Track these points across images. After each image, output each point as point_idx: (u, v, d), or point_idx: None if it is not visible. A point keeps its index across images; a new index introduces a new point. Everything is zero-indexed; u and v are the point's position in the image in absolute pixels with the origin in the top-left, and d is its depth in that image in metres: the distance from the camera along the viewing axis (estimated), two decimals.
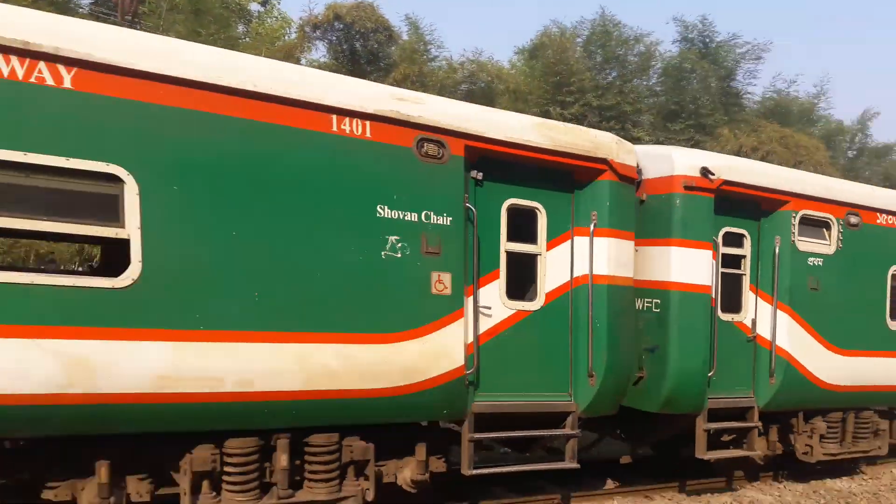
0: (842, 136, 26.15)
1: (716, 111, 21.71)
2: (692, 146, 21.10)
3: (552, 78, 19.59)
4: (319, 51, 20.94)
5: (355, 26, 19.03)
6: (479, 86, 20.21)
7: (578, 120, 19.50)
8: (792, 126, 22.70)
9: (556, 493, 6.79)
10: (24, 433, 4.29)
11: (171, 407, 4.29)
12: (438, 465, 5.60)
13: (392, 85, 14.12)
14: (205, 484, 4.65)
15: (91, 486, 4.39)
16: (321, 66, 18.45)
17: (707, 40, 22.05)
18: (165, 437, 4.53)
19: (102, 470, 4.30)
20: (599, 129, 18.89)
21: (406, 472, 5.44)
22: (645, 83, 22.65)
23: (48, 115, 3.95)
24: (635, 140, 20.07)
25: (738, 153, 19.88)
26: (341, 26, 19.33)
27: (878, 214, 7.76)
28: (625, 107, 20.09)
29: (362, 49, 19.80)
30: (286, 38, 22.26)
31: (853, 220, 7.47)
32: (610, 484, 7.56)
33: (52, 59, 3.92)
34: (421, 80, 19.00)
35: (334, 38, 19.93)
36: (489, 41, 72.67)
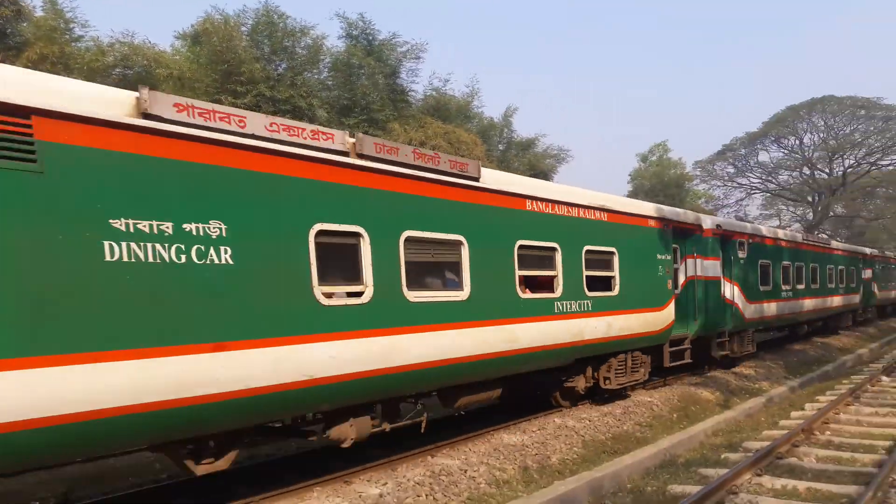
0: (493, 132, 31.04)
1: (385, 107, 24.11)
2: None
3: (220, 66, 19.82)
4: None
5: None
6: (136, 71, 19.45)
7: (252, 110, 20.04)
8: (452, 122, 26.29)
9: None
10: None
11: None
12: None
13: (28, 67, 12.99)
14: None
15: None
16: None
17: (370, 38, 24.37)
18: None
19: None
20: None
21: (645, 369, 13.23)
22: (317, 76, 24.10)
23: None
24: None
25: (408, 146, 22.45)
26: None
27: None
28: (299, 101, 21.17)
29: None
30: None
31: None
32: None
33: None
34: (63, 61, 17.65)
35: None
36: (142, 24, 68.08)
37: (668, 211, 13.97)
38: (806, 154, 62.62)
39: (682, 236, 14.30)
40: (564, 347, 10.44)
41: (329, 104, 23.79)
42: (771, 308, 18.68)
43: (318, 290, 6.61)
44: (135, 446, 6.75)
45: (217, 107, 6.03)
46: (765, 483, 7.64)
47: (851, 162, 61.56)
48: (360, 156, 7.19)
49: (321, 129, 6.90)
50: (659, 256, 13.00)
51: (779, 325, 21.11)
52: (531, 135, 34.10)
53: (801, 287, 20.99)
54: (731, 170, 64.87)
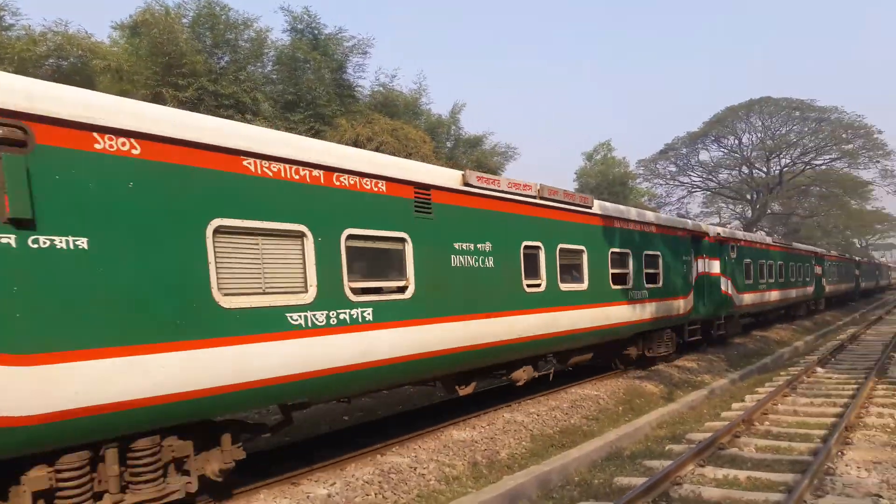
0: (441, 129, 31.02)
1: (332, 102, 23.86)
2: (313, 135, 22.91)
3: (161, 58, 19.29)
4: None
5: None
6: (71, 62, 18.77)
7: (195, 104, 19.58)
8: (400, 119, 26.17)
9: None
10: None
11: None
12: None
13: None
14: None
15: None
16: None
17: (316, 32, 24.08)
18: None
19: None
20: (217, 115, 19.23)
21: (673, 343, 17.21)
22: (261, 70, 23.68)
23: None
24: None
25: (355, 142, 22.30)
26: None
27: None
28: (243, 97, 20.78)
29: None
30: None
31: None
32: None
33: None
34: None
35: None
36: (77, 13, 65.66)
37: (691, 223, 18.62)
38: (744, 153, 64.65)
39: (696, 242, 18.25)
40: (632, 324, 14.44)
41: (273, 99, 23.41)
42: (753, 298, 23.19)
43: (524, 283, 10.77)
44: (440, 373, 9.91)
45: (490, 176, 10.29)
46: (707, 473, 7.83)
47: (787, 161, 63.85)
48: (542, 197, 11.34)
49: (524, 182, 10.94)
50: (684, 258, 17.24)
51: (756, 312, 25.33)
52: (479, 132, 34.28)
53: (772, 281, 25.68)
54: (673, 168, 66.52)
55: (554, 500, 7.39)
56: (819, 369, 15.74)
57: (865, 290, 55.43)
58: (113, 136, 5.55)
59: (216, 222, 6.23)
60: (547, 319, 11.23)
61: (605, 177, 46.46)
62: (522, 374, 11.53)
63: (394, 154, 22.06)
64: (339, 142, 22.35)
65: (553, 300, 11.40)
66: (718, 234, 19.87)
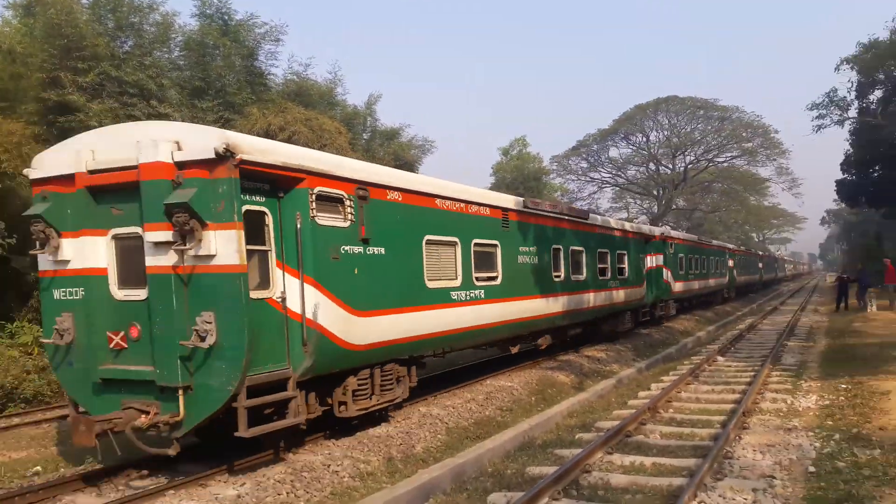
0: (357, 120, 30.67)
1: (243, 90, 23.18)
2: (223, 125, 22.21)
3: (59, 41, 18.18)
4: None
5: None
6: None
7: (96, 90, 18.62)
8: (315, 109, 25.70)
9: None
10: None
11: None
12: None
13: None
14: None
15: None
16: None
17: (226, 17, 23.29)
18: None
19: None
20: (120, 101, 18.33)
21: (633, 322, 21.47)
22: (167, 56, 22.74)
23: None
24: (162, 116, 20.14)
25: (266, 132, 21.77)
26: None
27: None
28: (148, 83, 19.89)
29: None
30: None
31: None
32: (162, 480, 7.99)
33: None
34: None
35: None
36: None
37: (646, 228, 23.79)
38: (651, 150, 67.19)
39: (647, 241, 22.66)
40: (612, 305, 18.99)
41: (180, 85, 22.54)
42: (685, 286, 27.95)
43: (553, 274, 15.05)
44: (509, 335, 13.97)
45: (537, 200, 15.63)
46: (615, 461, 8.11)
47: (691, 158, 66.82)
48: (560, 212, 16.19)
49: (554, 202, 17.13)
50: (640, 255, 21.62)
51: (687, 298, 29.86)
52: (395, 124, 34.12)
53: (697, 272, 30.61)
54: (584, 164, 68.39)
55: (468, 491, 7.47)
56: (720, 358, 16.57)
57: (766, 281, 59.64)
58: (394, 191, 9.84)
59: (427, 237, 10.64)
60: (564, 301, 15.63)
61: (520, 172, 47.19)
62: (543, 341, 15.76)
63: (307, 144, 21.84)
64: (249, 131, 21.79)
65: (569, 287, 15.98)
66: (662, 233, 24.78)
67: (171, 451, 7.49)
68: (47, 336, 8.13)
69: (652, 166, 68.73)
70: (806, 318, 27.66)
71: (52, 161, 8.15)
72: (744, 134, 62.68)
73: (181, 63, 23.33)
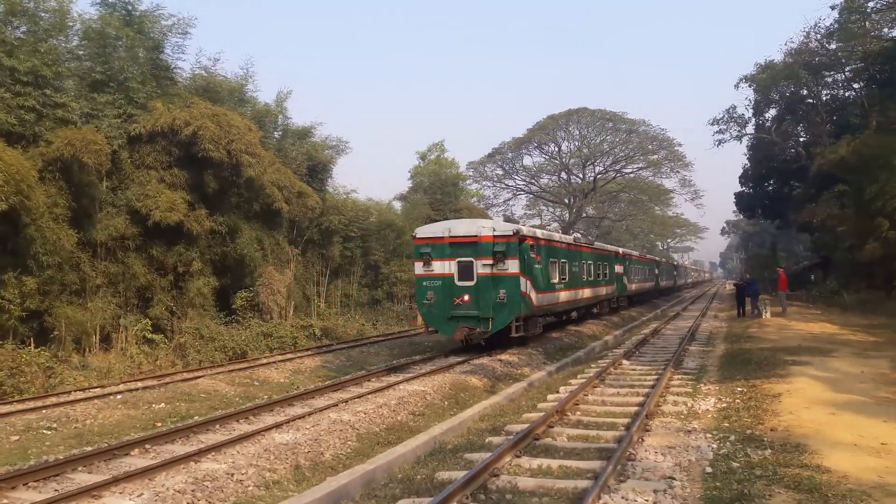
0: (269, 118, 29.98)
1: (147, 83, 22.24)
2: (124, 120, 21.27)
3: None
4: None
5: None
6: None
7: None
8: (224, 105, 24.96)
9: None
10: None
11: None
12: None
13: None
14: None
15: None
16: None
17: (129, 7, 22.29)
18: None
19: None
20: (13, 91, 17.25)
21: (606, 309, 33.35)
22: (65, 45, 21.55)
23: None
24: (59, 106, 19.07)
25: (171, 127, 21.00)
26: None
27: None
28: (43, 69, 18.78)
29: None
30: None
31: None
32: None
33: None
34: None
35: None
36: None
37: (622, 250, 36.29)
38: (563, 160, 69.01)
39: (617, 256, 34.14)
40: (601, 297, 30.57)
41: (79, 76, 21.40)
42: (633, 287, 39.24)
43: (584, 277, 27.01)
44: (570, 308, 25.67)
45: (577, 235, 29.87)
46: (523, 464, 8.23)
47: (601, 169, 69.03)
48: (580, 242, 27.24)
49: (579, 235, 29.66)
50: (615, 264, 32.98)
51: (634, 293, 39.67)
52: (307, 123, 33.61)
53: (645, 275, 42.21)
54: (499, 171, 69.53)
55: (377, 498, 7.40)
56: (625, 362, 17.14)
57: (664, 289, 60.70)
58: (543, 240, 21.33)
59: (550, 258, 21.92)
60: (586, 292, 26.70)
61: (437, 176, 47.38)
62: (574, 315, 27.17)
63: (215, 140, 21.31)
64: (153, 126, 20.99)
65: (588, 284, 27.03)
66: (624, 252, 36.78)
67: (483, 342, 18.75)
68: (421, 302, 19.16)
69: (564, 175, 70.61)
70: (706, 323, 29.02)
71: (429, 231, 19.38)
72: (650, 146, 65.40)
73: (80, 53, 22.17)
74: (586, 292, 27.16)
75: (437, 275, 18.56)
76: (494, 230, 18.43)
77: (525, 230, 19.38)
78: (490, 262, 17.98)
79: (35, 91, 18.52)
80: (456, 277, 18.38)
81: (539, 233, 21.71)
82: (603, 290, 30.71)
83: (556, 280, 22.33)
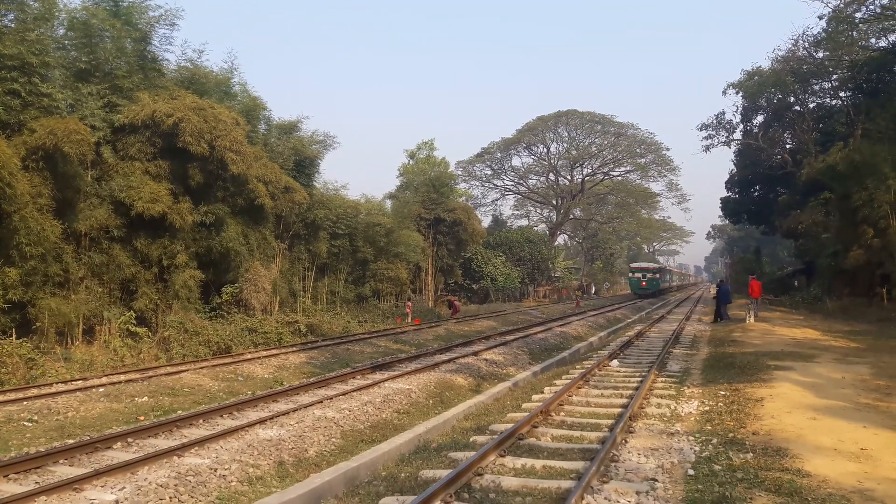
0: (257, 112, 29.74)
1: (133, 74, 22.08)
2: (108, 110, 21.11)
3: None
4: None
5: None
6: None
7: None
8: (211, 97, 24.78)
9: None
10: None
11: None
12: None
13: None
14: None
15: None
16: None
17: None
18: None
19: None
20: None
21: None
22: (52, 35, 21.34)
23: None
24: (45, 95, 18.92)
25: (152, 118, 20.85)
26: None
27: None
28: (29, 57, 18.59)
29: None
30: None
31: None
32: None
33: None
34: None
35: None
36: None
37: (667, 266, 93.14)
38: (552, 161, 69.31)
39: (663, 269, 78.44)
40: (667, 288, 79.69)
41: (65, 66, 21.21)
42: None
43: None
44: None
45: (661, 265, 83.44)
46: (507, 463, 8.27)
47: (589, 171, 69.47)
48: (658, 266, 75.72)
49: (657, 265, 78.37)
50: (665, 273, 78.17)
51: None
52: (293, 117, 33.46)
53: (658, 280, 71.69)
54: (488, 172, 69.71)
55: (360, 496, 7.41)
56: (609, 363, 17.23)
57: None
58: (660, 268, 74.26)
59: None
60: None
61: (426, 175, 47.39)
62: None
63: (199, 132, 21.30)
64: (135, 117, 20.85)
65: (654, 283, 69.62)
66: (668, 267, 70.11)
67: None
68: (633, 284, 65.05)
69: (552, 176, 70.95)
70: (691, 326, 29.18)
71: (635, 264, 70.69)
72: (637, 150, 65.83)
73: (67, 43, 21.97)
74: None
75: (637, 277, 62.08)
76: (651, 264, 50.16)
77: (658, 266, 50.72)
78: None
79: (21, 77, 18.33)
80: (642, 277, 60.64)
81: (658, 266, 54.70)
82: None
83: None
